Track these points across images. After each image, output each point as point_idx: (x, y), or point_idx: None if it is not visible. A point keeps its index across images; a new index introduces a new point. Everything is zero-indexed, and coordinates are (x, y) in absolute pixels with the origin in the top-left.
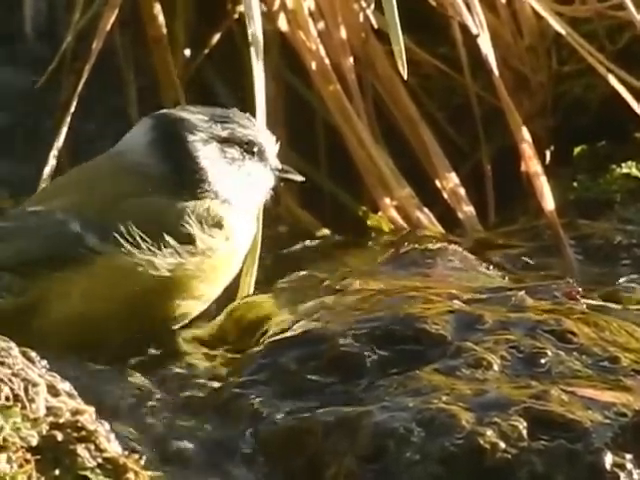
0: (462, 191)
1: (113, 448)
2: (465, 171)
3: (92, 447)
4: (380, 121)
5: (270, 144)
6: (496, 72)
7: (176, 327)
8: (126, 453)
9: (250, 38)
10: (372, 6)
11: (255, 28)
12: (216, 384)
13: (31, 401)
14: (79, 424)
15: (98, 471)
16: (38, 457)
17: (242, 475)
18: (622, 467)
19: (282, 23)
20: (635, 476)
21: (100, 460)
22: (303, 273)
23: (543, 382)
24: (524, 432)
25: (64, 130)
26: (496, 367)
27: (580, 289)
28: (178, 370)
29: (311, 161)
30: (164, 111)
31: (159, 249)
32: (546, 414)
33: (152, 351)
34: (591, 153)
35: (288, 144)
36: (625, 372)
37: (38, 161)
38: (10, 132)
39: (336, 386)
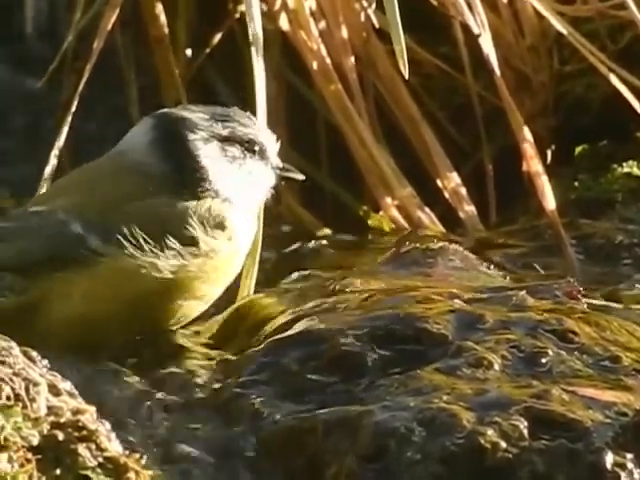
0: (463, 191)
1: (114, 448)
2: (466, 171)
3: (93, 447)
4: (381, 120)
5: (271, 143)
6: (497, 72)
7: (177, 327)
8: (127, 453)
9: (251, 38)
10: (373, 6)
11: (256, 28)
12: (217, 384)
13: (32, 400)
14: (80, 424)
15: (99, 470)
16: (39, 456)
17: (243, 475)
18: (623, 467)
19: (283, 22)
20: (636, 475)
21: (101, 459)
22: (304, 272)
23: (544, 382)
24: (525, 432)
25: (65, 130)
26: (497, 367)
27: (581, 289)
28: (179, 370)
29: (312, 160)
30: (164, 110)
31: (162, 251)
32: (547, 414)
33: (153, 351)
34: (592, 153)
35: (289, 143)
36: (626, 372)
37: (39, 161)
38: (11, 132)
39: (337, 386)
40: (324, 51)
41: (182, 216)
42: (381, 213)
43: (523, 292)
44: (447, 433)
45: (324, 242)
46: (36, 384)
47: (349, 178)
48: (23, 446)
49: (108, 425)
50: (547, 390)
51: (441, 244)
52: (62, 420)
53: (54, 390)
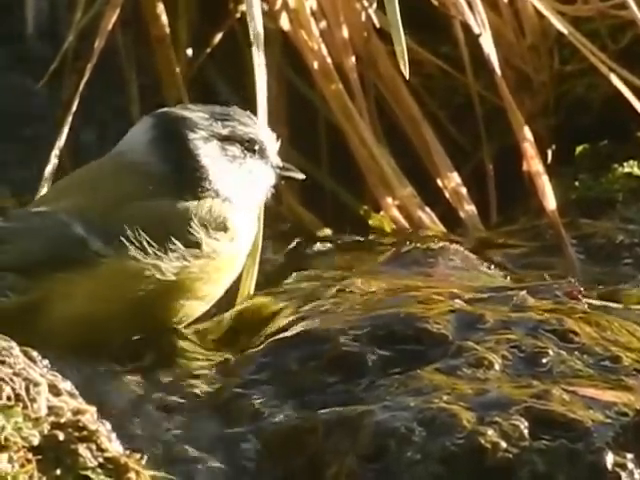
0: (464, 190)
1: (114, 448)
2: (467, 170)
3: (93, 447)
4: (382, 120)
5: (271, 142)
6: (498, 71)
7: (179, 327)
8: (127, 453)
9: (252, 37)
10: (374, 5)
11: (257, 27)
12: (217, 384)
13: (32, 401)
14: (80, 424)
15: (99, 471)
16: (39, 457)
17: (243, 475)
18: (623, 467)
19: (284, 22)
20: (636, 475)
21: (101, 460)
22: (304, 272)
23: (544, 382)
24: (525, 432)
25: (66, 129)
26: (497, 367)
27: (582, 288)
28: (179, 370)
29: (313, 160)
30: (164, 109)
31: (164, 253)
32: (547, 414)
33: (153, 351)
34: (593, 152)
35: (290, 143)
36: (626, 371)
37: (40, 160)
38: (11, 131)
39: (337, 386)
40: (325, 51)
41: (184, 218)
42: (382, 213)
43: (524, 292)
44: (447, 433)
45: (324, 242)
46: (36, 384)
47: (350, 178)
48: (23, 446)
49: (108, 425)
50: (547, 390)
51: (442, 244)
52: (62, 420)
53: (54, 390)
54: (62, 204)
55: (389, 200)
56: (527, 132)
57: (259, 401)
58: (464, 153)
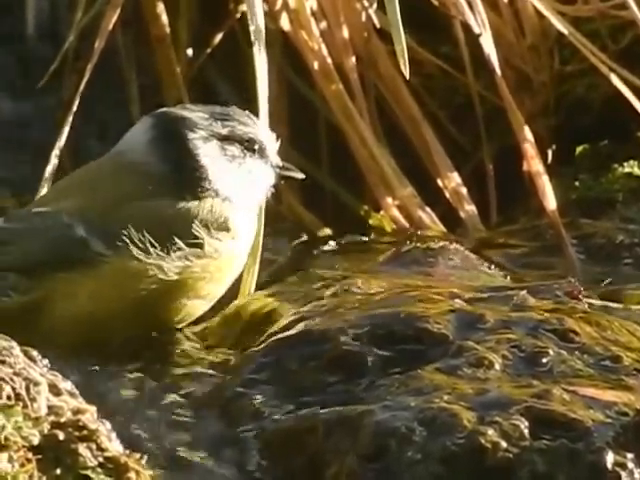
0: (464, 190)
1: (114, 447)
2: (467, 170)
3: (93, 446)
4: (382, 120)
5: (270, 141)
6: (498, 71)
7: (180, 326)
8: (127, 452)
9: (252, 37)
10: (374, 5)
11: (257, 27)
12: (217, 383)
13: (32, 400)
14: (80, 423)
15: (99, 470)
16: (39, 456)
17: (243, 474)
18: (623, 466)
19: (284, 22)
20: (636, 475)
21: (101, 459)
22: (304, 272)
23: (545, 381)
24: (525, 431)
25: (66, 129)
26: (497, 366)
27: (582, 288)
28: (179, 369)
29: (313, 160)
30: (164, 109)
31: (167, 253)
32: (547, 413)
33: (153, 351)
34: (593, 152)
35: (290, 143)
36: (627, 371)
37: (40, 160)
38: (12, 131)
39: (337, 385)
40: (325, 51)
41: (186, 219)
42: (382, 213)
43: (524, 292)
44: (448, 433)
45: (324, 241)
46: (37, 384)
47: (350, 178)
48: (23, 446)
49: (109, 425)
50: (548, 390)
51: (442, 243)
52: (62, 420)
53: (55, 390)
54: (62, 204)
55: (389, 200)
56: (527, 132)
57: (259, 401)
58: (464, 153)
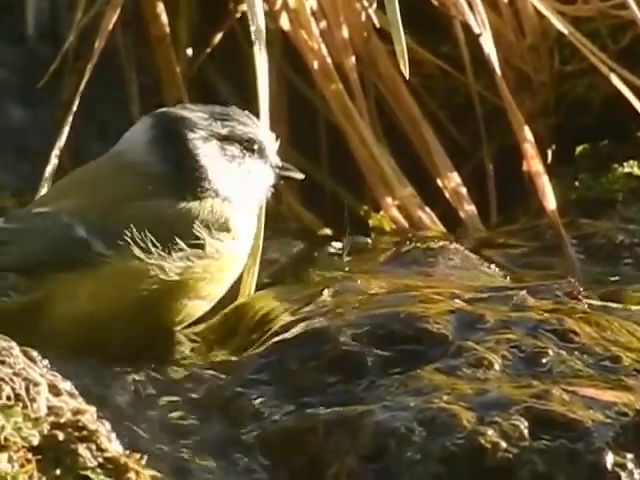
0: (464, 190)
1: (114, 448)
2: (467, 170)
3: (93, 447)
4: (382, 120)
5: (270, 141)
6: (498, 71)
7: (180, 327)
8: (127, 453)
9: (253, 36)
10: (374, 5)
11: (258, 27)
12: (217, 383)
13: (32, 401)
14: (80, 424)
15: (99, 471)
16: (39, 457)
17: (243, 474)
18: (623, 467)
19: (284, 22)
20: (636, 476)
21: (101, 460)
22: (304, 272)
23: (544, 382)
24: (525, 432)
25: (66, 130)
26: (497, 366)
27: (582, 288)
28: (179, 370)
29: (313, 160)
30: (163, 109)
31: (168, 254)
32: (547, 414)
33: (153, 351)
34: (593, 152)
35: (290, 143)
36: (626, 372)
37: (40, 160)
38: (12, 131)
39: (337, 386)
40: (325, 51)
41: (187, 219)
42: (382, 213)
43: (524, 292)
44: (447, 433)
45: (324, 242)
46: (36, 384)
47: (350, 178)
48: (23, 446)
49: (108, 425)
50: (547, 390)
51: (442, 243)
52: (62, 420)
53: (54, 390)
54: (62, 204)
55: (389, 200)
56: (527, 132)
57: (259, 401)
58: (464, 153)
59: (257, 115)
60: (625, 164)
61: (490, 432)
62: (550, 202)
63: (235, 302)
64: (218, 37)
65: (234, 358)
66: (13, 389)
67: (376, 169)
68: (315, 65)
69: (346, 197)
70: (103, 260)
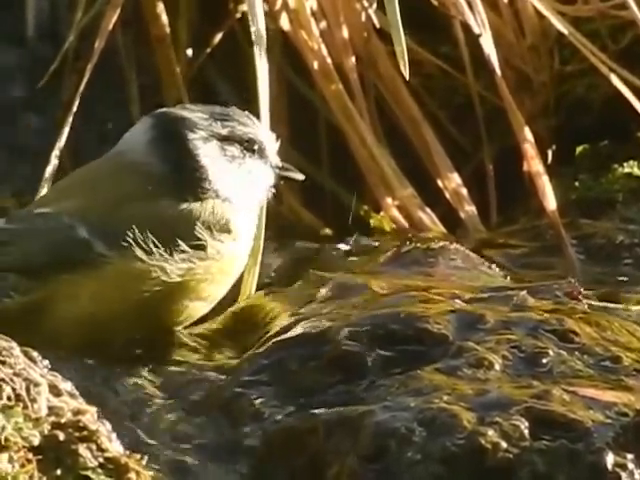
0: (464, 191)
1: (115, 448)
2: (467, 171)
3: (94, 447)
4: (382, 120)
5: (270, 142)
6: (498, 72)
7: (182, 327)
8: (127, 453)
9: (253, 37)
10: (374, 6)
11: (258, 27)
12: (218, 384)
13: (33, 401)
14: (81, 424)
15: (100, 471)
16: (40, 457)
17: (244, 475)
18: (623, 467)
19: (284, 22)
20: (636, 476)
21: (102, 460)
22: (305, 272)
23: (545, 382)
24: (525, 432)
25: (66, 130)
26: (497, 367)
27: (582, 289)
28: (180, 370)
29: (313, 160)
30: (164, 110)
31: (170, 255)
32: (547, 414)
33: (154, 351)
34: (593, 153)
35: (290, 143)
36: (627, 372)
37: (40, 160)
38: (12, 131)
39: (338, 386)
40: (325, 51)
41: (189, 221)
42: (382, 213)
43: (524, 292)
44: (447, 433)
45: (325, 242)
46: (37, 384)
47: (350, 178)
48: (24, 446)
49: (109, 425)
50: (548, 390)
51: (442, 244)
52: (63, 420)
53: (55, 390)
54: (63, 205)
55: (389, 200)
56: (527, 132)
57: (260, 401)
58: (464, 153)
59: (257, 115)
60: (625, 164)
61: (490, 432)
62: (550, 202)
63: (236, 302)
64: (218, 37)
65: (234, 359)
66: (14, 389)
67: (376, 169)
68: (315, 65)
69: (346, 198)
70: (104, 261)
